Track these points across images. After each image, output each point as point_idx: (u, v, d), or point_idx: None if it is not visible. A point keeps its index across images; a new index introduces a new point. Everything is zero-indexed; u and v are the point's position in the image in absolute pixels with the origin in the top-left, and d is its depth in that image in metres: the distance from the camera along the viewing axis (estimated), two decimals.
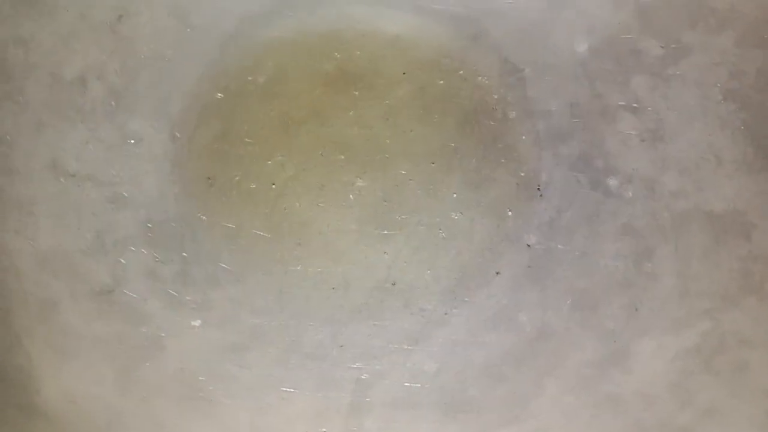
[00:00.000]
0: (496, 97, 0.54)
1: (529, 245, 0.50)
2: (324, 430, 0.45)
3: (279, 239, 0.49)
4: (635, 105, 0.56)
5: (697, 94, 0.55)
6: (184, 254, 0.47)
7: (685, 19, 0.57)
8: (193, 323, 0.45)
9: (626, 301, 0.48)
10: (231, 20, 0.55)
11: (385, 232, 0.50)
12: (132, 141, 0.51)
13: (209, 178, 0.51)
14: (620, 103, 0.56)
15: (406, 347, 0.46)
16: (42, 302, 0.41)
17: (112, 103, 0.53)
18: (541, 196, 0.51)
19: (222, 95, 0.52)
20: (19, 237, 0.43)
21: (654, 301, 0.47)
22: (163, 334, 0.44)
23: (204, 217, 0.49)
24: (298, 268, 0.48)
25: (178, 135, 0.51)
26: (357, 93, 0.53)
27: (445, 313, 0.47)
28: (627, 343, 0.46)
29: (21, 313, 0.38)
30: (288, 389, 0.45)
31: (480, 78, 0.55)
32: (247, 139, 0.52)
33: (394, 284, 0.48)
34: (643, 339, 0.46)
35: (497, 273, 0.49)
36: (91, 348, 0.41)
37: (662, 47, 0.58)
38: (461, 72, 0.55)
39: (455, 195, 0.51)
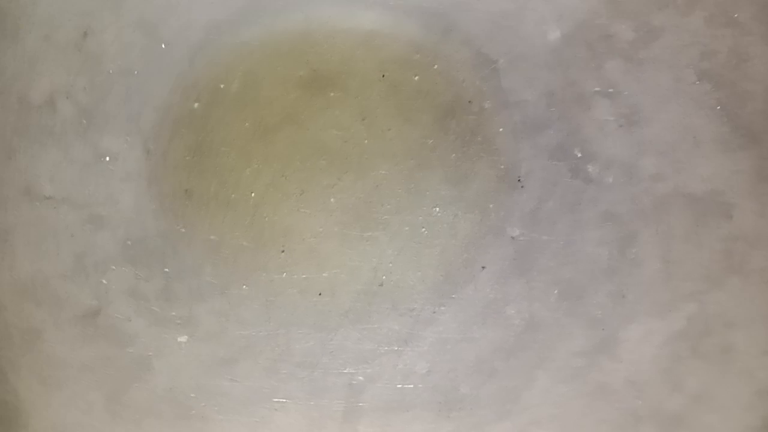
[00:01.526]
0: (471, 90, 0.54)
1: (512, 237, 0.50)
2: None
3: (262, 248, 0.49)
4: (610, 90, 0.56)
5: (671, 76, 0.55)
6: (166, 270, 0.47)
7: (654, 1, 0.57)
8: (179, 339, 0.45)
9: (612, 289, 0.48)
10: (198, 30, 0.54)
11: (369, 233, 0.50)
12: (106, 158, 0.50)
13: (187, 191, 0.50)
14: (595, 89, 0.56)
15: (396, 348, 0.46)
16: (25, 332, 0.40)
17: (83, 121, 0.52)
18: (522, 187, 0.51)
19: (198, 105, 0.51)
20: None
21: (639, 287, 0.48)
22: (150, 353, 0.44)
23: (184, 231, 0.49)
24: (283, 276, 0.48)
25: (152, 149, 0.51)
26: (331, 95, 0.53)
27: (434, 312, 0.47)
28: (615, 330, 0.46)
29: (4, 346, 0.38)
30: (280, 400, 0.45)
31: (454, 72, 0.54)
32: (222, 149, 0.51)
33: (380, 286, 0.48)
34: (630, 326, 0.46)
35: (483, 267, 0.49)
36: (78, 375, 0.41)
37: (633, 31, 0.58)
38: (435, 66, 0.54)
39: (436, 192, 0.51)
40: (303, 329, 0.47)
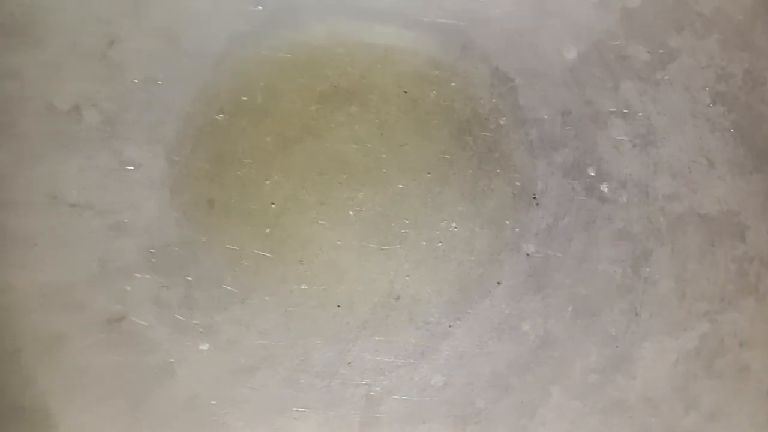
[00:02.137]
0: (488, 107, 0.55)
1: (528, 254, 0.50)
2: None
3: (281, 259, 0.49)
4: (625, 111, 0.57)
5: (686, 97, 0.56)
6: (189, 278, 0.48)
7: (671, 23, 0.58)
8: (201, 347, 0.45)
9: (626, 306, 0.48)
10: (221, 41, 0.55)
11: (386, 247, 0.50)
12: (130, 167, 0.51)
13: (209, 201, 0.51)
14: (611, 109, 0.57)
15: (412, 361, 0.47)
16: (52, 337, 0.41)
17: (108, 129, 0.53)
18: (537, 204, 0.52)
19: (222, 116, 0.52)
20: (24, 272, 0.42)
21: (653, 305, 0.48)
22: (172, 360, 0.44)
23: (205, 240, 0.49)
24: (303, 287, 0.49)
25: (175, 159, 0.51)
26: (351, 109, 0.53)
27: (450, 326, 0.48)
28: (629, 348, 0.47)
29: (33, 351, 0.38)
30: (300, 409, 0.45)
31: (471, 89, 0.55)
32: (244, 160, 0.52)
33: (397, 299, 0.49)
34: (644, 343, 0.47)
35: (498, 283, 0.49)
36: (102, 381, 0.41)
37: (649, 52, 0.59)
38: (453, 83, 0.55)
39: (453, 207, 0.51)
40: (321, 340, 0.47)
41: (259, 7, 0.56)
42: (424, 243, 0.51)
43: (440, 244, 0.51)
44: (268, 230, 0.50)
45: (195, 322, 0.46)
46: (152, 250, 0.48)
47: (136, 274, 0.47)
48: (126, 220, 0.49)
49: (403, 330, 0.48)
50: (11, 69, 0.47)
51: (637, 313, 0.48)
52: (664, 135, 0.56)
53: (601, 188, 0.53)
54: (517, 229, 0.51)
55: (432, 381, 0.46)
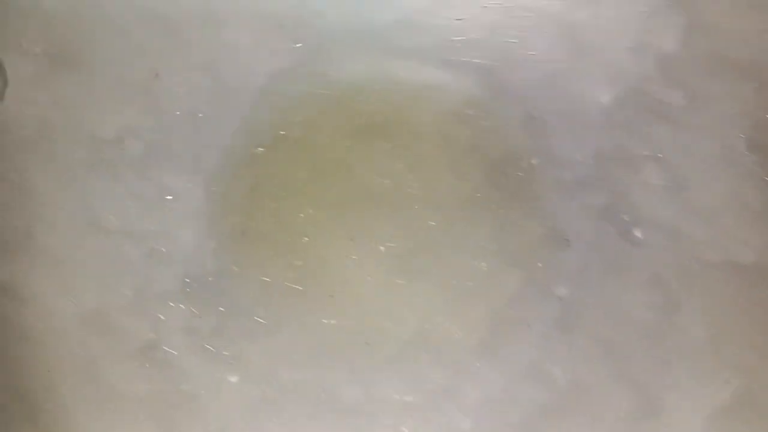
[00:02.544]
0: (521, 147, 0.55)
1: (559, 297, 0.50)
2: None
3: (312, 292, 0.50)
4: (659, 155, 0.57)
5: (721, 144, 0.56)
6: (221, 308, 0.48)
7: (706, 70, 0.58)
8: (230, 379, 0.46)
9: (657, 354, 0.48)
10: (261, 77, 0.57)
11: (416, 284, 0.51)
12: (169, 197, 0.52)
13: (243, 232, 0.52)
14: (644, 153, 0.57)
15: (440, 402, 0.47)
16: (87, 364, 0.42)
17: (149, 160, 0.54)
18: (569, 247, 0.52)
19: (260, 150, 0.53)
20: (62, 297, 0.43)
21: (685, 355, 0.48)
22: (202, 392, 0.44)
23: (239, 271, 0.50)
24: (332, 321, 0.49)
25: (213, 190, 0.52)
26: (384, 145, 0.54)
27: (478, 367, 0.48)
28: (660, 396, 0.46)
29: (68, 377, 0.39)
30: None
31: (505, 128, 0.56)
32: (280, 193, 0.53)
33: (426, 337, 0.49)
34: (676, 394, 0.46)
35: (528, 325, 0.49)
36: (134, 409, 0.42)
37: (684, 97, 0.59)
38: (486, 122, 0.56)
39: (484, 246, 0.51)
40: (349, 376, 0.47)
41: (299, 45, 0.58)
42: (454, 282, 0.51)
43: (470, 283, 0.51)
44: (299, 263, 0.50)
45: (225, 353, 0.47)
46: (187, 279, 0.49)
47: (170, 303, 0.48)
48: (163, 249, 0.50)
49: (431, 369, 0.48)
50: (58, 98, 0.48)
51: (669, 362, 0.47)
52: (698, 181, 0.55)
53: (634, 232, 0.53)
54: (548, 272, 0.51)
55: (460, 424, 0.46)
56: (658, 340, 0.48)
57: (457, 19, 0.62)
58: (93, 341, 0.43)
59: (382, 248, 0.51)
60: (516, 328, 0.49)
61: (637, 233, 0.53)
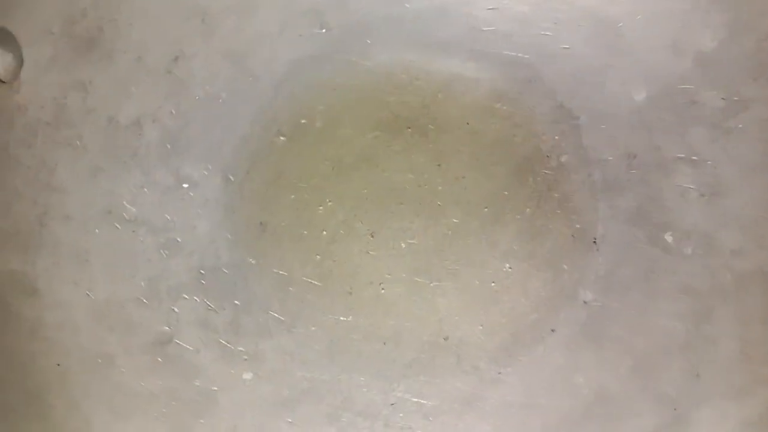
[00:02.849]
0: (550, 144, 0.53)
1: (585, 302, 0.49)
2: None
3: (329, 288, 0.48)
4: (694, 158, 0.55)
5: (759, 149, 0.54)
6: (236, 302, 0.47)
7: (747, 71, 0.56)
8: (244, 376, 0.45)
9: (686, 366, 0.46)
10: (284, 63, 0.55)
11: (437, 283, 0.49)
12: (186, 185, 0.51)
13: (261, 223, 0.51)
14: (679, 155, 0.55)
15: (458, 407, 0.46)
16: (98, 357, 0.41)
17: (167, 146, 0.53)
18: (597, 249, 0.50)
19: (281, 139, 0.52)
20: (76, 288, 0.42)
21: (714, 367, 0.46)
22: (215, 388, 0.43)
23: (254, 263, 0.49)
24: (349, 318, 0.48)
25: (231, 179, 0.51)
26: (409, 138, 0.52)
27: (499, 372, 0.46)
28: (688, 410, 0.45)
29: (78, 371, 0.38)
30: None
31: (534, 124, 0.54)
32: (299, 184, 0.51)
33: (446, 339, 0.47)
34: (704, 407, 0.45)
35: (552, 330, 0.48)
36: (146, 406, 0.41)
37: (722, 99, 0.56)
38: (515, 118, 0.54)
39: (509, 246, 0.50)
40: (365, 377, 0.46)
41: (324, 31, 0.56)
42: (477, 282, 0.49)
43: (493, 284, 0.49)
44: (318, 257, 0.49)
45: (240, 348, 0.45)
46: (202, 271, 0.48)
47: (185, 296, 0.47)
48: (179, 239, 0.49)
49: (450, 373, 0.47)
50: (79, 82, 0.47)
51: (698, 374, 0.46)
52: (734, 186, 0.53)
53: (665, 238, 0.51)
54: (575, 275, 0.50)
55: (478, 429, 0.45)
56: (686, 352, 0.47)
57: (488, 9, 0.60)
58: (105, 335, 0.42)
59: (403, 245, 0.50)
60: (540, 332, 0.48)
61: (668, 238, 0.52)
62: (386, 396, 0.46)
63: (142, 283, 0.46)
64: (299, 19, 0.55)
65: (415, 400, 0.46)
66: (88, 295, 0.42)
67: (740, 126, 0.55)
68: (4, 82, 0.42)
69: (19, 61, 0.43)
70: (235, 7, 0.56)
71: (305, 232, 0.50)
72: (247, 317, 0.47)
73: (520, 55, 0.56)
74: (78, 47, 0.47)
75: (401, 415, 0.45)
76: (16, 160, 0.42)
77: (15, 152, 0.42)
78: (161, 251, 0.48)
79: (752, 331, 0.47)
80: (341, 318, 0.48)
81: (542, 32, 0.59)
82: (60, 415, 0.35)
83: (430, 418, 0.45)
